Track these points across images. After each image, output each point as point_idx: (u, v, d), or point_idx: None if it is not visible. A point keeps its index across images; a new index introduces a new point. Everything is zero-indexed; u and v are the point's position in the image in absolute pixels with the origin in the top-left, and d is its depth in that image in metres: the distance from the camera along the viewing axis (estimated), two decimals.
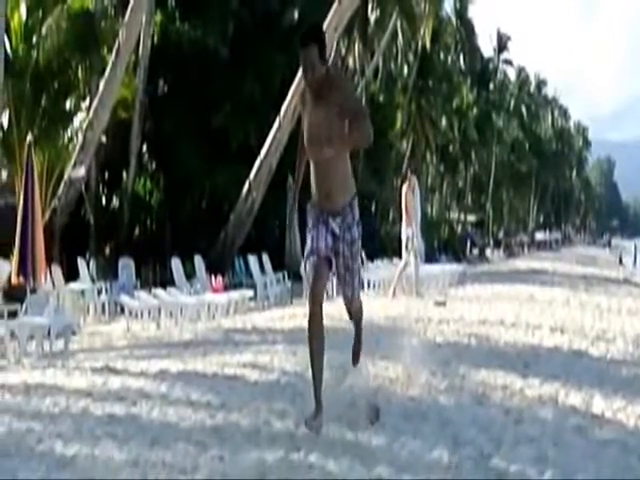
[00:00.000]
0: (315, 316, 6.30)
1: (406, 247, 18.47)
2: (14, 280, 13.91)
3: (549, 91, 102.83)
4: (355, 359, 7.16)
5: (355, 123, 6.10)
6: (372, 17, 40.50)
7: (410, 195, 18.53)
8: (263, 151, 25.35)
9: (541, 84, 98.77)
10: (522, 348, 10.84)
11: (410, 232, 18.35)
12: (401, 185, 19.48)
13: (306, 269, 6.51)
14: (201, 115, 27.46)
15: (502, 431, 6.67)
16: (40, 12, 22.64)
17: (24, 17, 22.56)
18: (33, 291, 13.73)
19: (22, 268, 13.67)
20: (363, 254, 26.39)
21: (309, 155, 6.35)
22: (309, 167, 6.49)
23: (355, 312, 7.07)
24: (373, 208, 41.40)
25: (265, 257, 22.18)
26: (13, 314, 12.89)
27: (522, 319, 13.86)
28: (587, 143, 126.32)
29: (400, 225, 19.30)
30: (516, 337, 11.76)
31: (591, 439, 6.61)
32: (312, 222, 6.47)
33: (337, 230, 6.41)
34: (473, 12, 62.11)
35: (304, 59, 6.09)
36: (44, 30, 22.39)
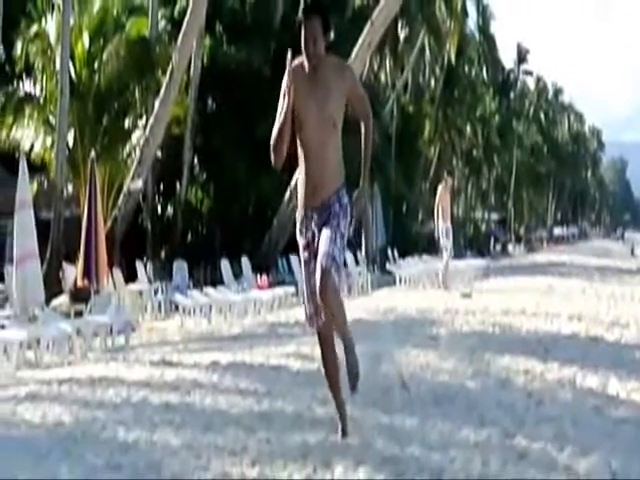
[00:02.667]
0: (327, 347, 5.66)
1: (447, 237, 18.56)
2: (80, 283, 14.01)
3: (565, 98, 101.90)
4: (352, 381, 5.35)
5: (362, 110, 5.46)
6: (402, 35, 40.33)
7: (446, 194, 18.74)
8: None
9: (558, 92, 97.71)
10: (542, 335, 10.76)
11: (447, 226, 18.50)
12: (436, 186, 19.63)
13: (306, 313, 5.57)
14: (246, 129, 27.48)
15: (524, 412, 6.62)
16: (101, 40, 22.79)
17: (87, 45, 22.72)
18: (97, 292, 13.83)
19: (87, 272, 13.76)
20: (396, 252, 26.40)
21: (304, 139, 5.35)
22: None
23: (328, 302, 5.20)
24: (404, 209, 41.19)
25: None
26: (79, 314, 13.02)
27: (542, 308, 13.76)
28: (601, 145, 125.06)
29: (434, 223, 19.36)
30: (537, 325, 11.69)
31: (607, 418, 6.55)
32: (304, 252, 5.49)
33: (314, 224, 5.39)
34: (495, 27, 61.66)
35: (306, 31, 5.25)
36: (105, 56, 22.53)
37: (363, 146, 5.47)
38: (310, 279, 5.41)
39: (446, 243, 18.67)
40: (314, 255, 5.36)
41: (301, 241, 5.51)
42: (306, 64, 5.36)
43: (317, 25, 5.26)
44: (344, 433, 5.67)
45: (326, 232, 5.29)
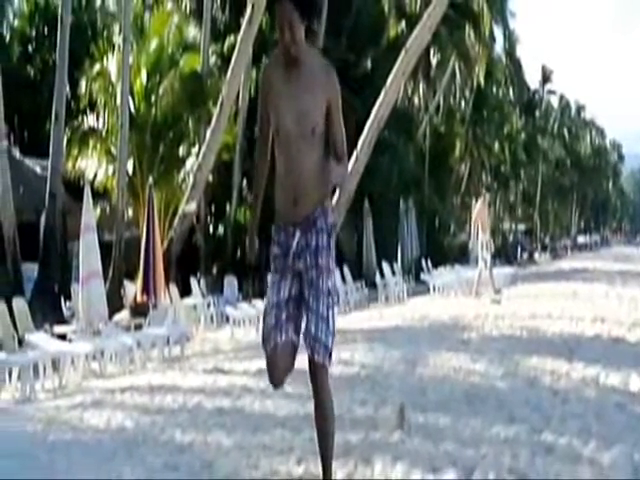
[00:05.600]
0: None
1: (487, 248, 18.45)
2: (139, 299, 14.11)
3: (587, 114, 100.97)
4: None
5: (338, 143, 4.24)
6: (434, 61, 40.42)
7: (484, 209, 18.66)
8: None
9: (580, 109, 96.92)
10: (567, 337, 10.63)
11: (486, 239, 18.38)
12: (465, 200, 19.56)
13: (263, 331, 4.43)
14: None
15: (551, 409, 6.54)
16: (157, 76, 23.00)
17: (144, 81, 22.94)
18: (155, 307, 13.91)
19: (146, 288, 13.86)
20: (429, 263, 26.22)
21: (280, 145, 4.26)
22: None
23: (320, 382, 4.33)
24: (437, 223, 41.04)
25: (346, 269, 22.12)
26: (139, 327, 13.13)
27: (567, 312, 13.59)
28: (621, 157, 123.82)
29: (471, 235, 19.22)
30: (562, 328, 11.54)
31: (629, 413, 6.45)
32: (277, 260, 4.47)
33: (295, 243, 4.35)
34: (520, 50, 60.74)
35: (279, 16, 4.07)
36: (161, 91, 22.74)
37: (339, 191, 4.40)
38: (279, 298, 4.42)
39: (485, 255, 18.50)
40: (290, 271, 4.40)
41: (275, 250, 4.49)
42: (282, 57, 4.19)
43: (290, 8, 4.04)
44: None
45: (313, 297, 4.26)
